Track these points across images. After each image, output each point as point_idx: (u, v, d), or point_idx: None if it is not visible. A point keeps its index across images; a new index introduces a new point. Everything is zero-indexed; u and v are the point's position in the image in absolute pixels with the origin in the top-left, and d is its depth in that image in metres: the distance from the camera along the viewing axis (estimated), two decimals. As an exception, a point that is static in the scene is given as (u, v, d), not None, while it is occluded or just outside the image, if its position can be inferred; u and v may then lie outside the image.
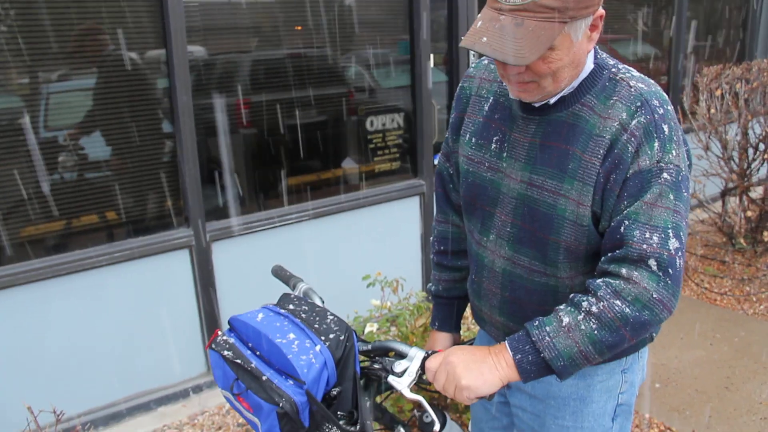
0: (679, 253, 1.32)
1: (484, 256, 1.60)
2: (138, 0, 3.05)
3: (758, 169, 5.01)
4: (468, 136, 1.60)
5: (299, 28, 3.65)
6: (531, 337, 1.38)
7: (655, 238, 1.31)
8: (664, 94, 1.40)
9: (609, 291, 1.33)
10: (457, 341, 1.87)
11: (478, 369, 1.40)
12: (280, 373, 1.36)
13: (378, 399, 1.64)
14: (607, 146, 1.36)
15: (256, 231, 3.55)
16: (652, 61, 5.81)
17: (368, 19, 3.86)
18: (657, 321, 1.34)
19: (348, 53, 3.87)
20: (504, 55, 1.26)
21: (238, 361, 1.37)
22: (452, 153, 1.69)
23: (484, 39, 1.28)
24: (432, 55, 4.06)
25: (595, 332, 1.33)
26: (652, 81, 1.43)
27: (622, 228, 1.34)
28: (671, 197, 1.32)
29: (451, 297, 1.84)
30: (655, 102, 1.36)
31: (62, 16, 2.89)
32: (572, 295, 1.39)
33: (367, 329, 2.86)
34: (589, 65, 1.41)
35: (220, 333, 1.46)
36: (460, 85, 1.67)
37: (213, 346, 1.43)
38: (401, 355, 1.52)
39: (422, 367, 1.48)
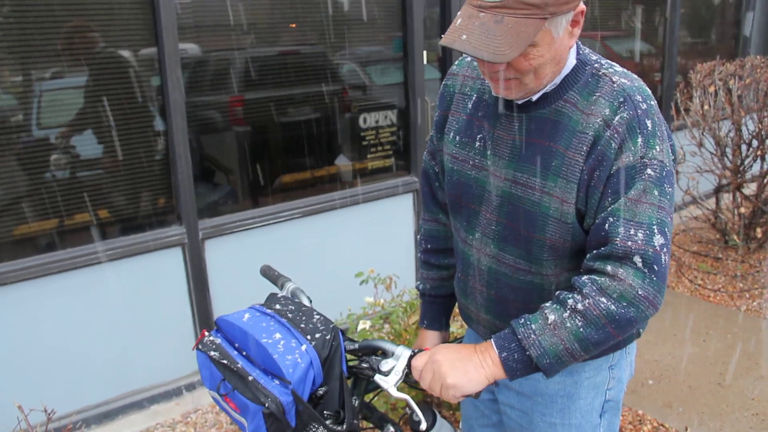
0: (665, 249, 1.32)
1: (470, 254, 1.60)
2: (129, -3, 3.04)
3: (751, 166, 5.02)
4: (452, 134, 1.59)
5: (293, 25, 3.64)
6: (517, 335, 1.37)
7: (639, 234, 1.30)
8: (647, 89, 1.39)
9: (594, 288, 1.33)
10: (446, 339, 1.87)
11: (464, 367, 1.39)
12: (267, 373, 1.35)
13: (368, 397, 1.63)
14: (590, 143, 1.35)
15: (249, 228, 3.55)
16: (646, 58, 5.81)
17: (361, 16, 3.85)
18: (643, 318, 1.33)
19: (341, 50, 3.86)
20: (484, 52, 1.25)
21: (225, 361, 1.37)
22: (437, 151, 1.69)
23: (464, 37, 1.27)
24: (425, 52, 4.05)
25: (581, 330, 1.32)
26: (635, 76, 1.42)
27: (607, 225, 1.33)
28: (656, 193, 1.32)
29: (440, 295, 1.83)
30: (638, 97, 1.35)
31: (52, 13, 2.87)
32: (558, 292, 1.39)
33: (360, 326, 2.86)
34: (572, 61, 1.40)
35: (207, 334, 1.45)
36: (443, 83, 1.66)
37: (200, 346, 1.43)
38: (388, 354, 1.51)
39: (409, 365, 1.48)
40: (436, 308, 1.84)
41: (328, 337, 1.41)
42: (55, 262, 3.02)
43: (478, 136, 1.52)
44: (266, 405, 1.30)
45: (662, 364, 3.64)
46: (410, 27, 3.94)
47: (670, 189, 1.35)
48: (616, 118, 1.33)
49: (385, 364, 1.49)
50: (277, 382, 1.33)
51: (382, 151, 4.07)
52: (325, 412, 1.43)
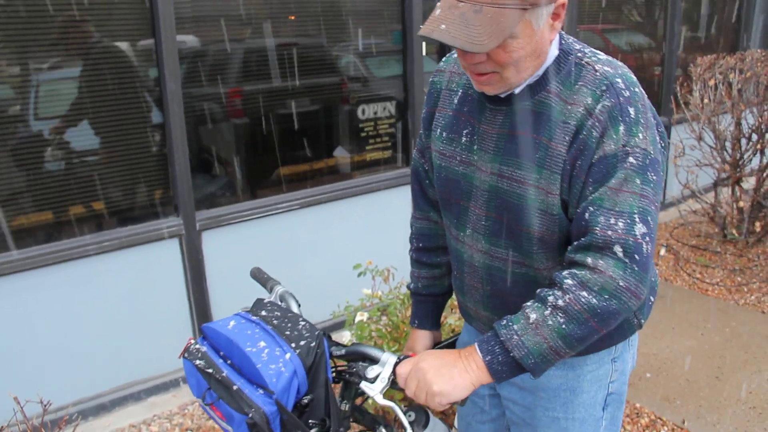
0: (647, 239, 1.29)
1: (463, 251, 1.58)
2: (126, -14, 3.02)
3: (751, 160, 5.01)
4: (439, 130, 1.58)
5: (292, 17, 3.62)
6: (499, 337, 1.35)
7: (620, 223, 1.28)
8: (632, 76, 1.37)
9: (575, 282, 1.30)
10: (438, 339, 1.85)
11: (449, 374, 1.37)
12: (251, 382, 1.34)
13: (359, 400, 1.62)
14: (572, 132, 1.34)
15: (246, 220, 3.54)
16: (646, 51, 5.79)
17: (360, 8, 3.83)
18: (626, 309, 1.31)
19: (340, 42, 3.84)
20: (462, 42, 1.23)
21: (210, 370, 1.36)
22: (426, 149, 1.68)
23: (443, 26, 1.25)
24: (424, 44, 4.03)
25: (563, 326, 1.30)
26: (620, 63, 1.40)
27: (587, 214, 1.31)
28: (638, 181, 1.29)
29: (431, 294, 1.81)
30: (621, 84, 1.33)
31: (51, 4, 2.85)
32: (539, 290, 1.37)
33: (358, 318, 2.85)
34: (554, 52, 1.39)
35: (192, 341, 1.44)
36: (431, 79, 1.65)
37: (186, 355, 1.41)
38: (374, 360, 1.50)
39: (395, 372, 1.47)
40: (428, 307, 1.83)
41: (312, 344, 1.40)
42: (52, 253, 3.00)
43: (464, 132, 1.51)
44: (250, 415, 1.29)
45: (660, 357, 3.64)
46: (409, 19, 3.92)
47: (654, 177, 1.32)
48: (598, 106, 1.32)
49: (371, 371, 1.48)
50: (261, 391, 1.32)
51: (380, 142, 4.06)
52: (310, 420, 1.42)
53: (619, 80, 1.33)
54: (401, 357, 1.48)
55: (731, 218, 5.13)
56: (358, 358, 1.53)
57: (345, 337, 2.93)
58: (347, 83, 3.90)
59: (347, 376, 1.52)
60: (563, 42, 1.40)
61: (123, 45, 3.10)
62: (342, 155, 3.94)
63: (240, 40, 3.49)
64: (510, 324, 1.35)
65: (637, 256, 1.28)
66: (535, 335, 1.32)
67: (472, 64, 1.34)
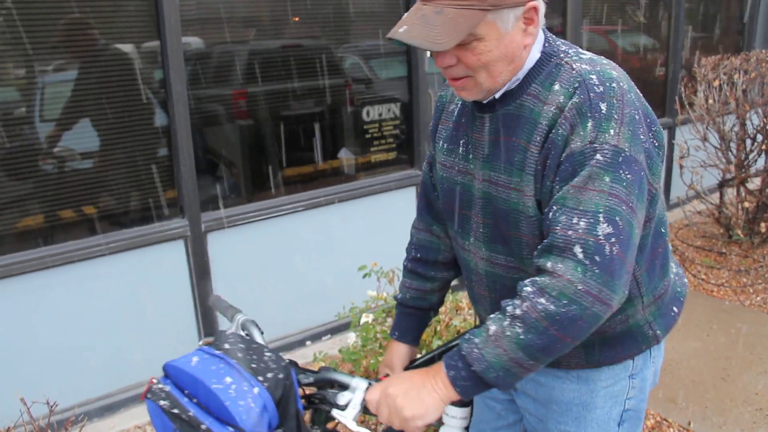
0: (611, 239, 1.22)
1: (469, 260, 1.57)
2: (131, -12, 3.03)
3: (756, 160, 5.00)
4: (441, 142, 1.59)
5: (296, 18, 3.62)
6: (461, 351, 1.32)
7: (582, 223, 1.23)
8: (612, 72, 1.32)
9: (534, 289, 1.26)
10: (414, 355, 1.80)
11: (418, 396, 1.35)
12: (220, 420, 1.30)
13: (331, 425, 1.58)
14: (545, 132, 1.32)
15: (251, 221, 3.54)
16: (651, 52, 5.78)
17: (364, 9, 3.83)
18: (591, 316, 1.24)
19: (344, 44, 3.85)
20: (420, 41, 1.26)
21: (175, 410, 1.31)
22: (433, 162, 1.68)
23: (404, 28, 1.28)
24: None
25: (521, 336, 1.25)
26: (606, 61, 1.36)
27: (551, 214, 1.28)
28: (606, 179, 1.24)
29: (417, 307, 1.78)
30: (594, 80, 1.29)
31: (57, 6, 2.86)
32: (502, 301, 1.34)
33: (363, 320, 2.85)
34: (535, 55, 1.37)
35: (155, 381, 1.39)
36: (438, 93, 1.67)
37: (149, 395, 1.36)
38: (343, 386, 1.47)
39: (365, 398, 1.45)
40: (411, 321, 1.79)
41: (280, 376, 1.36)
42: (58, 254, 3.01)
43: (461, 142, 1.52)
44: None
45: (665, 358, 3.60)
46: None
47: (629, 176, 1.26)
48: (569, 103, 1.29)
49: (342, 398, 1.45)
50: (231, 429, 1.28)
51: (385, 144, 4.06)
52: None
53: (593, 76, 1.30)
54: (371, 382, 1.46)
55: (736, 219, 5.12)
56: (327, 384, 1.50)
57: (350, 338, 2.93)
58: (351, 85, 3.90)
59: (317, 402, 1.49)
60: (548, 45, 1.39)
61: (129, 47, 3.10)
62: (347, 157, 3.94)
63: (245, 41, 3.49)
64: (472, 338, 1.32)
65: (598, 258, 1.22)
66: (495, 348, 1.28)
67: (444, 68, 1.36)
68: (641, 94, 1.38)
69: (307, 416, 1.49)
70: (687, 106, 5.20)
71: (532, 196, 1.35)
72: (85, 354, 3.16)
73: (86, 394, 3.21)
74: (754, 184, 5.25)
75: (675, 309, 1.57)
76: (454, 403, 1.89)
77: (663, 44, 5.82)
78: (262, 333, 1.62)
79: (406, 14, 1.32)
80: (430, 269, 1.76)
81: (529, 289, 1.27)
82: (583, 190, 1.25)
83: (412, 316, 1.79)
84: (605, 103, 1.27)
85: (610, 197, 1.24)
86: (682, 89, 5.46)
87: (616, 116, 1.26)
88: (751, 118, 4.92)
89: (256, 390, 1.32)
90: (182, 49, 3.14)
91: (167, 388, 1.36)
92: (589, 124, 1.26)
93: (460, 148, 1.52)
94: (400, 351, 1.77)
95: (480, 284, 1.58)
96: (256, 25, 3.51)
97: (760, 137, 4.88)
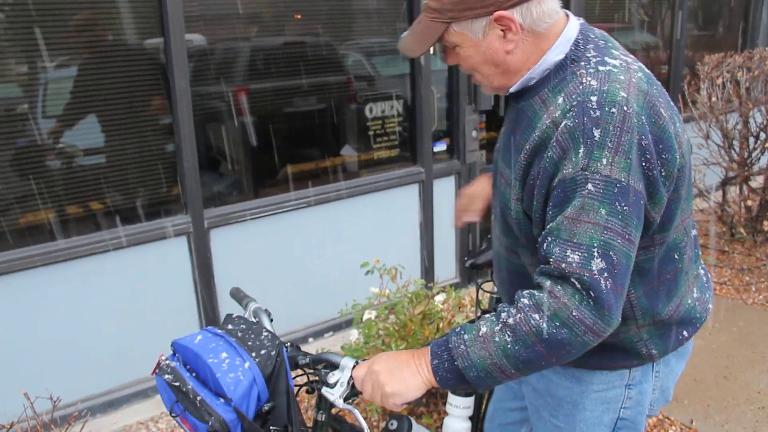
0: (605, 275, 1.22)
1: (493, 239, 1.67)
2: (135, -16, 3.02)
3: (759, 158, 4.99)
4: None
5: (298, 16, 3.62)
6: (449, 344, 1.35)
7: (575, 257, 1.23)
8: (619, 93, 1.26)
9: (530, 303, 1.27)
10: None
11: (401, 375, 1.38)
12: (215, 393, 1.39)
13: (336, 409, 1.64)
14: (535, 145, 1.32)
15: (254, 218, 3.54)
16: (654, 50, 5.77)
17: (367, 6, 3.83)
18: (580, 343, 1.25)
19: (347, 41, 3.84)
20: (403, 48, 1.44)
21: (177, 383, 1.41)
22: None
23: (405, 34, 1.44)
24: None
25: (509, 346, 1.27)
26: (619, 78, 1.30)
27: (545, 245, 1.28)
28: (602, 212, 1.22)
29: None
30: (593, 103, 1.25)
31: (61, 2, 2.86)
32: (500, 305, 1.37)
33: (366, 316, 2.86)
34: (554, 58, 1.37)
35: (164, 358, 1.50)
36: None
37: (157, 371, 1.47)
38: (335, 366, 1.53)
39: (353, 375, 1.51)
40: None
41: (273, 353, 1.44)
42: (60, 250, 3.01)
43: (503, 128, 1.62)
44: (210, 423, 1.33)
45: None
46: (416, 16, 3.91)
47: (625, 208, 1.23)
48: (562, 125, 1.27)
49: (332, 377, 1.52)
50: (221, 400, 1.36)
51: (387, 141, 4.06)
52: (272, 427, 1.45)
53: (593, 98, 1.26)
54: (358, 361, 1.52)
55: (739, 217, 5.12)
56: (322, 364, 1.57)
57: (353, 335, 2.94)
58: (354, 82, 3.90)
59: (315, 384, 1.56)
60: (574, 49, 1.37)
61: (132, 43, 3.10)
62: (350, 154, 3.94)
63: (248, 38, 3.49)
64: (461, 333, 1.34)
65: (593, 293, 1.22)
66: (482, 349, 1.30)
67: (457, 66, 1.47)
68: (665, 116, 1.32)
69: (313, 401, 1.54)
70: (690, 104, 5.19)
71: (517, 200, 1.39)
72: (87, 350, 3.16)
73: (89, 390, 3.22)
74: (757, 182, 5.25)
75: (685, 333, 1.55)
76: (458, 393, 1.98)
77: (666, 42, 5.81)
78: (271, 320, 1.73)
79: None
80: None
81: (526, 301, 1.28)
82: (577, 221, 1.23)
83: None
84: (599, 130, 1.23)
85: (605, 231, 1.22)
86: (685, 87, 5.45)
87: (610, 144, 1.23)
88: (755, 116, 4.91)
89: (247, 364, 1.40)
90: (186, 45, 3.14)
91: (173, 364, 1.47)
92: (581, 151, 1.24)
93: (498, 143, 1.62)
94: (485, 182, 1.92)
95: (496, 264, 1.67)
96: (259, 22, 3.51)
97: (763, 135, 4.87)
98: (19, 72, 2.87)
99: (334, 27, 3.74)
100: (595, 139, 1.23)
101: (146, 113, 3.18)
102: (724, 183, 5.19)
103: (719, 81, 4.89)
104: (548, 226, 1.28)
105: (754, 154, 4.96)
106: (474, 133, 4.28)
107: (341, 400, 1.49)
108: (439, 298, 2.93)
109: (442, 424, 2.13)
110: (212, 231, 3.41)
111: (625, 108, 1.25)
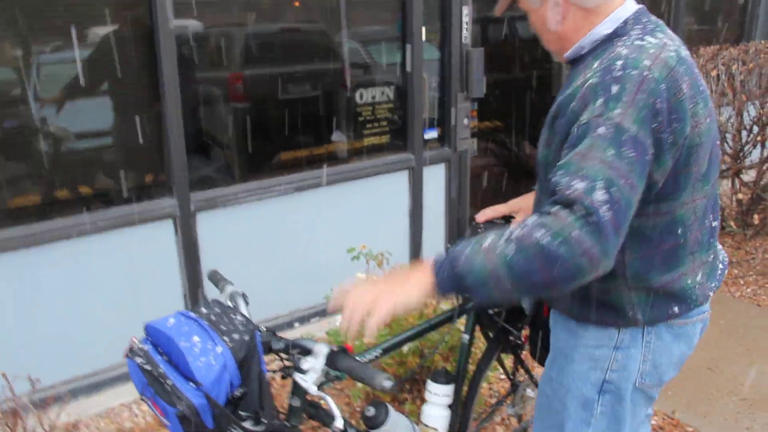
0: (606, 206, 1.29)
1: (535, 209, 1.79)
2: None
3: (751, 152, 4.98)
4: None
5: (297, 3, 3.59)
6: (451, 254, 1.42)
7: (581, 185, 1.31)
8: (645, 62, 1.39)
9: (536, 221, 1.34)
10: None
11: (400, 282, 1.46)
12: (185, 377, 1.37)
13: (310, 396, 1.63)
14: (566, 98, 1.47)
15: (242, 202, 3.52)
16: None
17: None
18: (575, 265, 1.29)
19: (340, 29, 3.81)
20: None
21: (148, 367, 1.39)
22: None
23: None
24: (424, 30, 4.00)
25: (510, 255, 1.33)
26: (649, 52, 1.42)
27: (554, 178, 1.37)
28: (609, 152, 1.32)
29: None
30: (618, 65, 1.40)
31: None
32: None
33: (350, 303, 2.84)
34: (602, 31, 1.52)
35: (135, 341, 1.47)
36: None
37: (129, 354, 1.45)
38: (308, 352, 1.52)
39: (328, 363, 1.50)
40: None
41: (246, 338, 1.42)
42: (46, 232, 2.99)
43: None
44: (180, 408, 1.32)
45: (653, 348, 3.63)
46: (410, 6, 3.89)
47: (632, 154, 1.33)
48: (588, 82, 1.42)
49: (305, 363, 1.51)
50: (192, 385, 1.35)
51: (378, 128, 4.03)
52: (244, 413, 1.44)
53: (619, 62, 1.40)
54: (334, 348, 1.52)
55: (730, 210, 5.11)
56: (296, 350, 1.56)
57: (338, 321, 2.92)
58: (346, 68, 3.87)
59: (289, 370, 1.55)
60: (622, 25, 1.51)
61: (120, 27, 3.07)
62: (340, 139, 3.92)
63: (237, 24, 3.46)
64: (465, 245, 1.41)
65: (593, 218, 1.28)
66: (484, 258, 1.36)
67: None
68: (686, 92, 1.41)
69: (288, 387, 1.53)
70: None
71: (547, 145, 1.54)
72: (72, 332, 3.15)
73: (73, 372, 3.21)
74: (749, 175, 5.24)
75: (675, 309, 1.60)
76: (438, 381, 1.96)
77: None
78: (247, 304, 1.72)
79: None
80: None
81: (532, 219, 1.35)
82: (585, 157, 1.33)
83: None
84: (618, 86, 1.36)
85: (610, 169, 1.31)
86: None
87: (625, 99, 1.35)
88: (748, 110, 4.90)
89: (219, 349, 1.39)
90: (173, 29, 3.11)
91: (146, 347, 1.45)
92: (599, 101, 1.36)
93: None
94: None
95: None
96: (248, 8, 3.48)
97: (756, 128, 4.86)
98: (5, 54, 2.84)
99: (326, 12, 3.71)
100: (612, 92, 1.36)
101: (132, 96, 3.15)
102: (716, 176, 5.17)
103: (714, 73, 4.87)
104: (560, 163, 1.38)
105: (746, 148, 4.95)
106: (465, 121, 4.26)
107: (315, 387, 1.48)
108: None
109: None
110: (199, 214, 3.39)
111: (646, 73, 1.38)
